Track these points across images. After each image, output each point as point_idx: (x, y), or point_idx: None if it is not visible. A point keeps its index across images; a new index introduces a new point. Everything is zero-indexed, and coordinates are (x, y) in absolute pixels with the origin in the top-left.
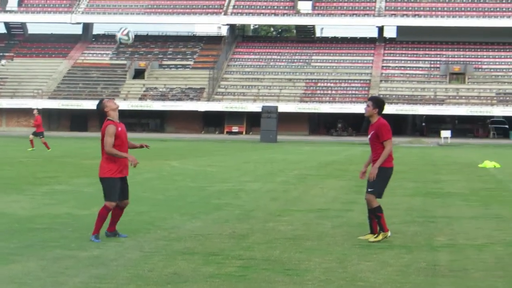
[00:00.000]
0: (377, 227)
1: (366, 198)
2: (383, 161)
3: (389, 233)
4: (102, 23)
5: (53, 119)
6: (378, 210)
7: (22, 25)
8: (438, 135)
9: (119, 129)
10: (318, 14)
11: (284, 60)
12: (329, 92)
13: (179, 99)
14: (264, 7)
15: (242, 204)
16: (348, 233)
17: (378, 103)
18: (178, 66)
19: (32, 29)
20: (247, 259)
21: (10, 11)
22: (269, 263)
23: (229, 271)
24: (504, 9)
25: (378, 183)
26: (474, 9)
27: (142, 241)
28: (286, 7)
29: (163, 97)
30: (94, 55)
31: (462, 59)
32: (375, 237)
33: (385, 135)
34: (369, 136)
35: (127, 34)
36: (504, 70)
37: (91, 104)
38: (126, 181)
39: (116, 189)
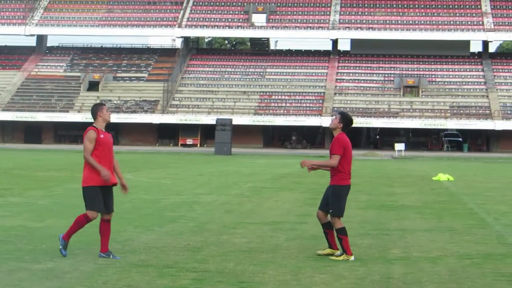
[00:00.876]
0: (334, 242)
1: (330, 220)
2: (322, 165)
3: (352, 257)
4: (56, 35)
5: (7, 131)
6: (339, 232)
7: None
8: (392, 148)
9: (101, 136)
10: (272, 26)
11: (238, 73)
12: (284, 104)
13: (134, 112)
14: (218, 19)
15: (197, 217)
16: (302, 245)
17: (344, 119)
18: (133, 78)
19: None
20: (201, 272)
21: None
22: (223, 276)
23: (183, 284)
24: (457, 23)
25: (335, 203)
26: (428, 22)
27: (96, 253)
28: (240, 20)
29: (117, 109)
30: (48, 67)
31: (416, 72)
32: (337, 256)
33: (335, 149)
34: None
35: None
36: (458, 83)
37: (45, 116)
38: (110, 191)
39: (98, 199)
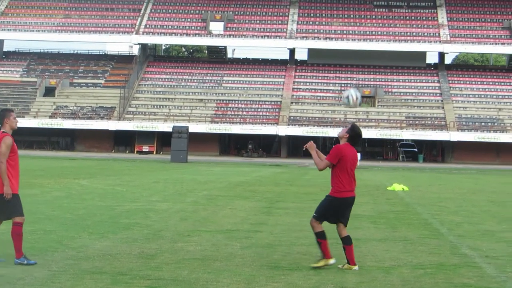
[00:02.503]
0: (327, 251)
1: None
2: (315, 158)
3: (331, 261)
4: (13, 40)
5: None
6: (317, 235)
7: None
8: None
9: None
10: (230, 35)
11: (195, 81)
12: (240, 113)
13: (90, 118)
14: (176, 27)
15: (151, 224)
16: (257, 254)
17: (352, 130)
18: (89, 84)
19: None
20: (155, 279)
21: None
22: (177, 283)
23: None
24: (414, 34)
25: (320, 206)
26: (385, 33)
27: (50, 260)
28: (198, 28)
29: (73, 115)
30: (4, 72)
31: (372, 83)
32: (316, 263)
33: (329, 155)
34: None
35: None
36: (414, 94)
37: None
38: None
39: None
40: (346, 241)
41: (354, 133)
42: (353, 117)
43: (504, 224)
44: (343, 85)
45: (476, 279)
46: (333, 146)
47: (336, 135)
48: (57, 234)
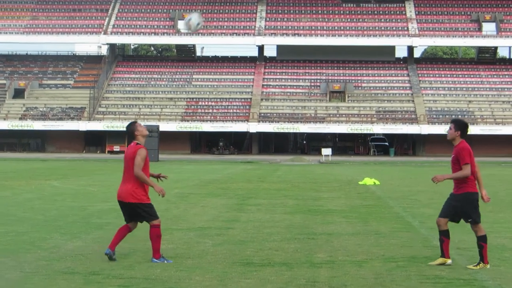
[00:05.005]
0: (448, 250)
1: (473, 229)
2: (456, 178)
3: (488, 266)
4: None
5: None
6: (482, 239)
7: None
8: (319, 152)
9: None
10: (198, 33)
11: (165, 79)
12: (210, 110)
13: (60, 119)
14: (144, 26)
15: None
16: (229, 251)
17: (460, 126)
18: (59, 85)
19: None
20: (127, 278)
21: None
22: (150, 282)
23: None
24: (382, 28)
25: (473, 211)
26: (353, 28)
27: (23, 261)
28: (166, 27)
29: (43, 116)
30: None
31: (342, 78)
32: (473, 266)
33: (464, 158)
34: (451, 158)
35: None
36: (384, 88)
37: None
38: None
39: None
40: (484, 239)
41: (463, 127)
42: (323, 112)
43: None
44: (313, 80)
45: (448, 271)
46: (463, 147)
47: (301, 131)
48: (29, 236)
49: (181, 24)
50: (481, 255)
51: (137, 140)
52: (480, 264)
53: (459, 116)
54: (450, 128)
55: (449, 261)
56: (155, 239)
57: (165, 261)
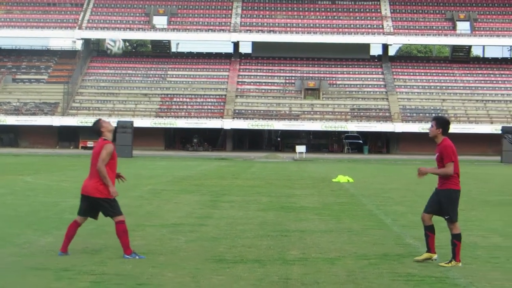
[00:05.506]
0: (434, 246)
1: (449, 226)
2: (440, 174)
3: (460, 264)
4: None
5: None
6: (456, 237)
7: None
8: (293, 150)
9: None
10: (174, 29)
11: (139, 75)
12: (185, 107)
13: (33, 114)
14: (119, 21)
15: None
16: (202, 247)
17: (441, 123)
18: (32, 80)
19: None
20: (99, 274)
21: None
22: (121, 278)
23: (80, 287)
24: (357, 26)
25: (451, 208)
26: (329, 25)
27: None
28: (142, 22)
29: (16, 111)
30: None
31: (317, 75)
32: (445, 263)
33: (447, 157)
34: (435, 156)
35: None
36: (358, 86)
37: None
38: None
39: None
40: (459, 237)
41: (445, 123)
42: (298, 109)
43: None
44: (287, 77)
45: (420, 269)
46: (446, 145)
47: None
48: (1, 231)
49: (156, 19)
50: (454, 253)
51: (104, 136)
52: (452, 262)
53: (433, 115)
54: (431, 126)
55: (435, 256)
56: (122, 235)
57: (137, 257)
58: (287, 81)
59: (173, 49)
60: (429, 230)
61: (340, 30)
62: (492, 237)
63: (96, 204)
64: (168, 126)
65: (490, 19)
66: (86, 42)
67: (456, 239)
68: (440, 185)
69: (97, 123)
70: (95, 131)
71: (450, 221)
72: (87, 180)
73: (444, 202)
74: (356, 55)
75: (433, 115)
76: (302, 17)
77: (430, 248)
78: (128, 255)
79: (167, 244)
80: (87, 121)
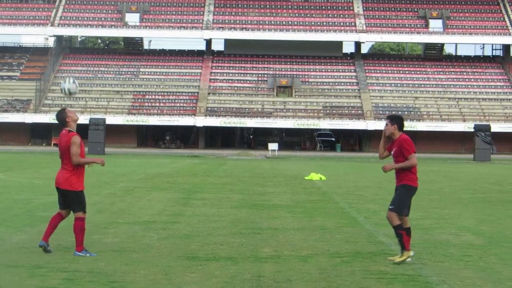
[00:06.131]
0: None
1: (387, 215)
2: (404, 167)
3: (411, 253)
4: None
5: None
6: (399, 228)
7: None
8: (265, 147)
9: None
10: (146, 26)
11: (112, 72)
12: (157, 104)
13: (5, 111)
14: (91, 18)
15: (68, 217)
16: (174, 245)
17: (395, 120)
18: (4, 77)
19: None
20: (72, 272)
21: None
22: (94, 275)
23: (53, 284)
24: (330, 24)
25: (399, 200)
26: (301, 23)
27: None
28: (114, 19)
29: None
30: None
31: (289, 73)
32: (399, 257)
33: (409, 149)
34: (392, 153)
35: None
36: (331, 83)
37: None
38: None
39: None
40: (400, 227)
41: (399, 120)
42: (270, 107)
43: (421, 212)
44: (260, 75)
45: (392, 267)
46: (405, 139)
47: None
48: None
49: (129, 16)
50: (402, 244)
51: (69, 127)
52: (404, 253)
53: (405, 113)
54: (386, 125)
55: (411, 253)
56: (78, 232)
57: (88, 254)
58: (260, 79)
59: (146, 46)
60: (400, 229)
61: (313, 27)
62: (465, 235)
63: (65, 195)
64: (141, 123)
65: (463, 17)
66: (59, 39)
67: (401, 229)
68: (398, 181)
69: (63, 112)
70: (60, 120)
71: (392, 211)
72: (59, 172)
73: (397, 194)
74: (329, 52)
75: (405, 113)
76: (274, 14)
77: (405, 246)
78: (79, 251)
79: (139, 242)
80: None
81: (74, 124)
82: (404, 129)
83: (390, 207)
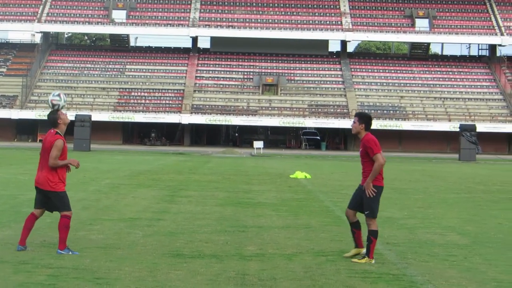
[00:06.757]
0: (361, 240)
1: (367, 222)
2: (376, 175)
3: (373, 261)
4: None
5: None
6: (373, 234)
7: None
8: (251, 145)
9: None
10: (132, 23)
11: (98, 69)
12: (143, 101)
13: None
14: (78, 15)
15: (54, 213)
16: (159, 242)
17: (363, 118)
18: None
19: None
20: (57, 268)
21: None
22: (79, 272)
23: (38, 280)
24: (316, 22)
25: (370, 204)
26: (287, 21)
27: None
28: (100, 16)
29: None
30: None
31: (275, 71)
32: (359, 259)
33: (373, 149)
34: (359, 152)
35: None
36: (316, 82)
37: None
38: None
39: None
40: (375, 234)
41: (367, 119)
42: (256, 105)
43: (406, 211)
44: (246, 73)
45: (377, 266)
46: (368, 139)
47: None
48: None
49: (115, 13)
50: (368, 249)
51: (59, 129)
52: (366, 258)
53: (391, 112)
54: (354, 122)
55: (363, 250)
56: (63, 230)
57: (71, 253)
58: (245, 77)
59: (132, 43)
60: (354, 227)
61: (299, 26)
62: (450, 235)
63: (46, 196)
64: (126, 120)
65: (449, 16)
66: (45, 35)
67: (373, 235)
68: (364, 181)
69: (55, 113)
70: (51, 121)
71: (369, 217)
72: (38, 171)
73: (366, 198)
74: (315, 51)
75: (391, 112)
76: (261, 12)
77: (358, 244)
78: (61, 250)
79: (124, 239)
80: (45, 114)
81: (64, 127)
82: (389, 128)
83: (366, 212)
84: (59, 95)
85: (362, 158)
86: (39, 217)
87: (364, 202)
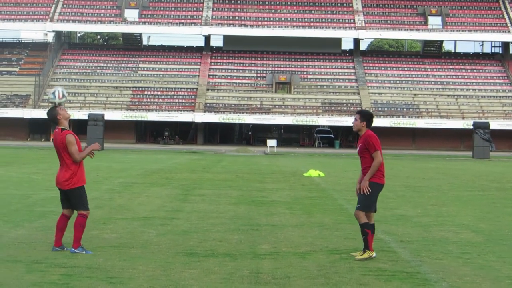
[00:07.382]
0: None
1: (354, 213)
2: (374, 172)
3: (374, 254)
4: None
5: None
6: (365, 226)
7: None
8: (264, 144)
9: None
10: (145, 22)
11: (110, 68)
12: (156, 100)
13: (4, 106)
14: (90, 14)
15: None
16: (173, 241)
17: (365, 116)
18: (3, 72)
19: None
20: (70, 267)
21: None
22: (93, 271)
23: (52, 279)
24: (329, 20)
25: (366, 199)
26: (300, 19)
27: None
28: (113, 15)
29: None
30: None
31: (288, 69)
32: (361, 255)
33: (374, 146)
34: (357, 149)
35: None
36: (329, 80)
37: None
38: None
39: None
40: (367, 226)
41: (368, 117)
42: (269, 103)
43: (419, 209)
44: (259, 71)
45: (391, 264)
46: (370, 135)
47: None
48: None
49: (128, 12)
50: (366, 242)
51: (61, 125)
52: (366, 252)
53: (404, 110)
54: (355, 119)
55: (373, 254)
56: (78, 229)
57: (84, 252)
58: (258, 75)
59: (145, 42)
60: (366, 227)
61: (312, 24)
62: (463, 232)
63: (67, 195)
64: (139, 119)
65: (462, 14)
66: (58, 34)
67: (366, 227)
68: (363, 178)
69: (54, 110)
70: (51, 119)
71: (358, 210)
72: (58, 172)
73: (360, 194)
74: (328, 49)
75: (404, 110)
76: (273, 11)
77: (369, 245)
78: (75, 248)
79: (138, 238)
80: None
81: (66, 122)
82: (403, 125)
83: (357, 205)
84: (53, 92)
85: (361, 154)
86: (71, 216)
87: (358, 197)
